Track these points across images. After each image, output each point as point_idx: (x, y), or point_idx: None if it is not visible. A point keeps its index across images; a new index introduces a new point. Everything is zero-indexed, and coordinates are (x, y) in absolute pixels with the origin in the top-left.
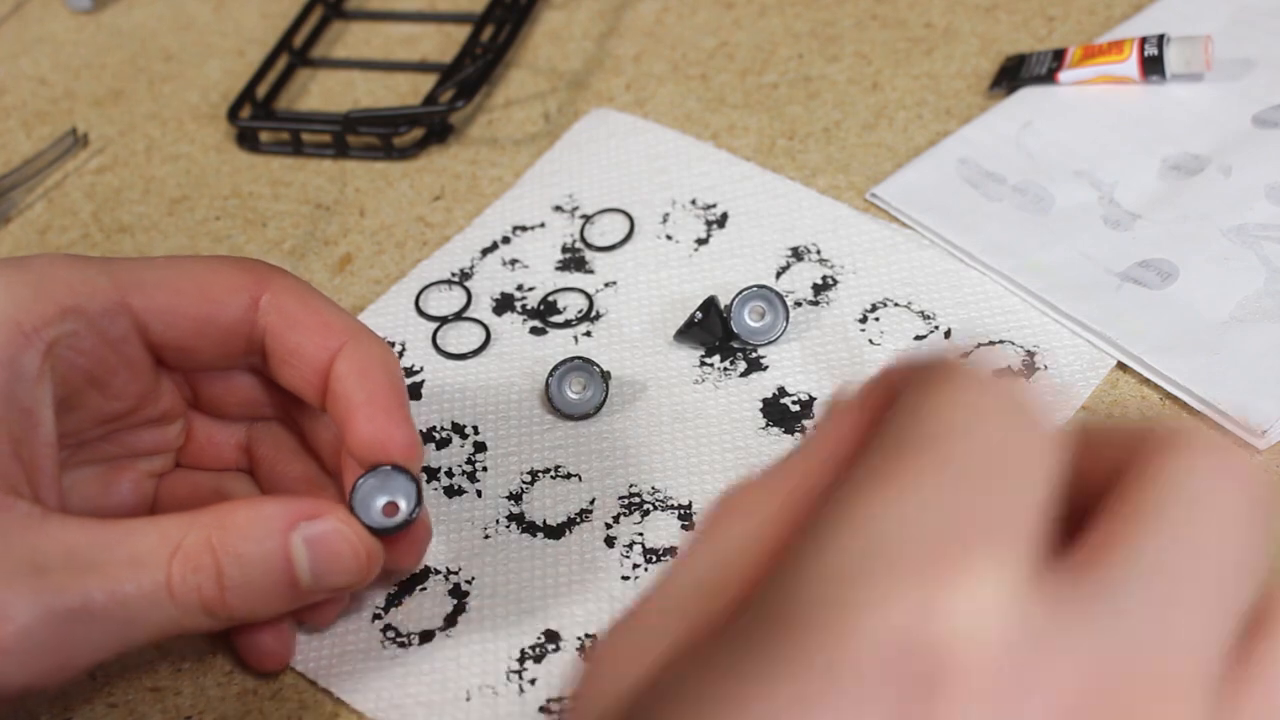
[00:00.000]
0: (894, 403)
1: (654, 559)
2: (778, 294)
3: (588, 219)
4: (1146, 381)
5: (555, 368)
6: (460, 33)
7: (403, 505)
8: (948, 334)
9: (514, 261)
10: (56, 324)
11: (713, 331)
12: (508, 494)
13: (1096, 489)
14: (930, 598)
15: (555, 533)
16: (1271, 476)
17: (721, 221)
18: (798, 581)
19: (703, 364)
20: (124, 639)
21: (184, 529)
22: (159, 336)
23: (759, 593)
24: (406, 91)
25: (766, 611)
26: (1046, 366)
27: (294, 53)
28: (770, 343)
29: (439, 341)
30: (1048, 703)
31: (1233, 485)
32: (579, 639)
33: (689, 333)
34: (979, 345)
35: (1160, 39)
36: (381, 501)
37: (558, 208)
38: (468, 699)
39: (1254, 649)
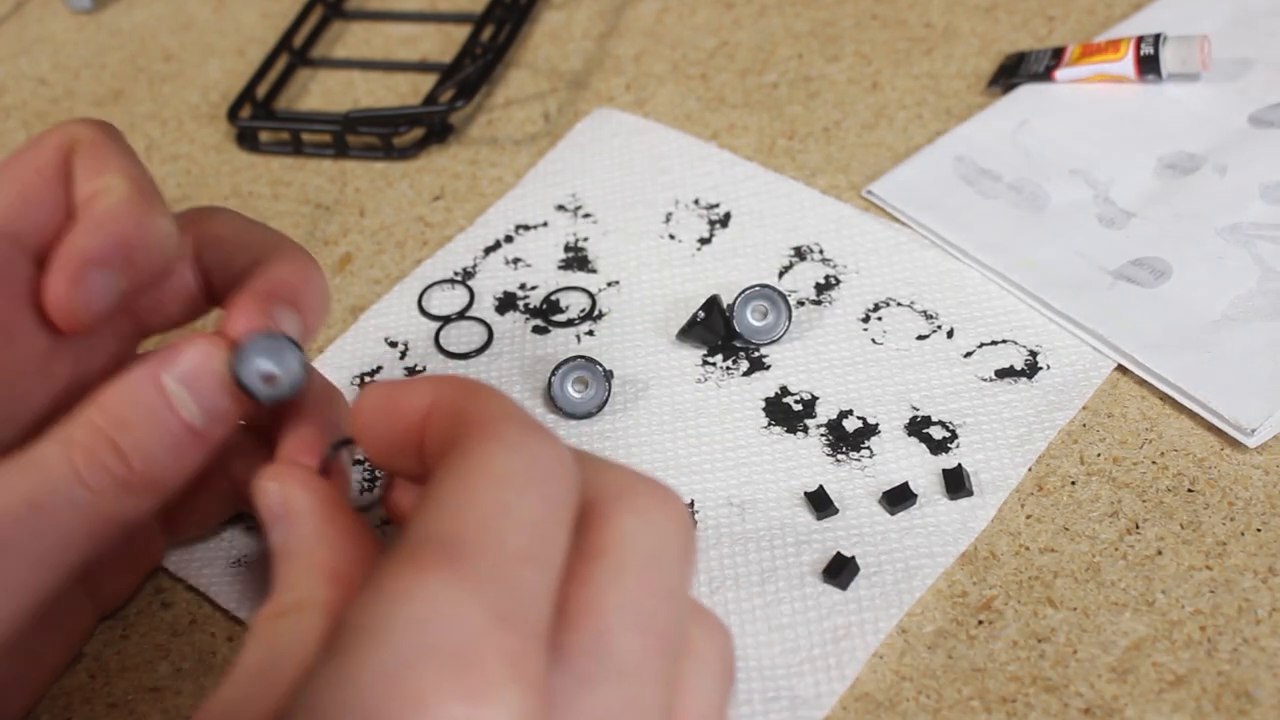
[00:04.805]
0: (438, 462)
1: None
2: (780, 293)
3: (590, 218)
4: (1145, 382)
5: (558, 367)
6: (460, 33)
7: (280, 373)
8: (950, 334)
9: (517, 260)
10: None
11: (715, 331)
12: None
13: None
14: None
15: None
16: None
17: (724, 221)
18: (345, 685)
19: (705, 363)
20: (67, 546)
21: (70, 425)
22: None
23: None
24: (406, 91)
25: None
26: (1049, 366)
27: (294, 53)
28: (773, 342)
29: (441, 341)
30: None
31: (667, 526)
32: None
33: (692, 332)
34: (981, 345)
35: (1157, 38)
36: (263, 367)
37: (560, 207)
38: None
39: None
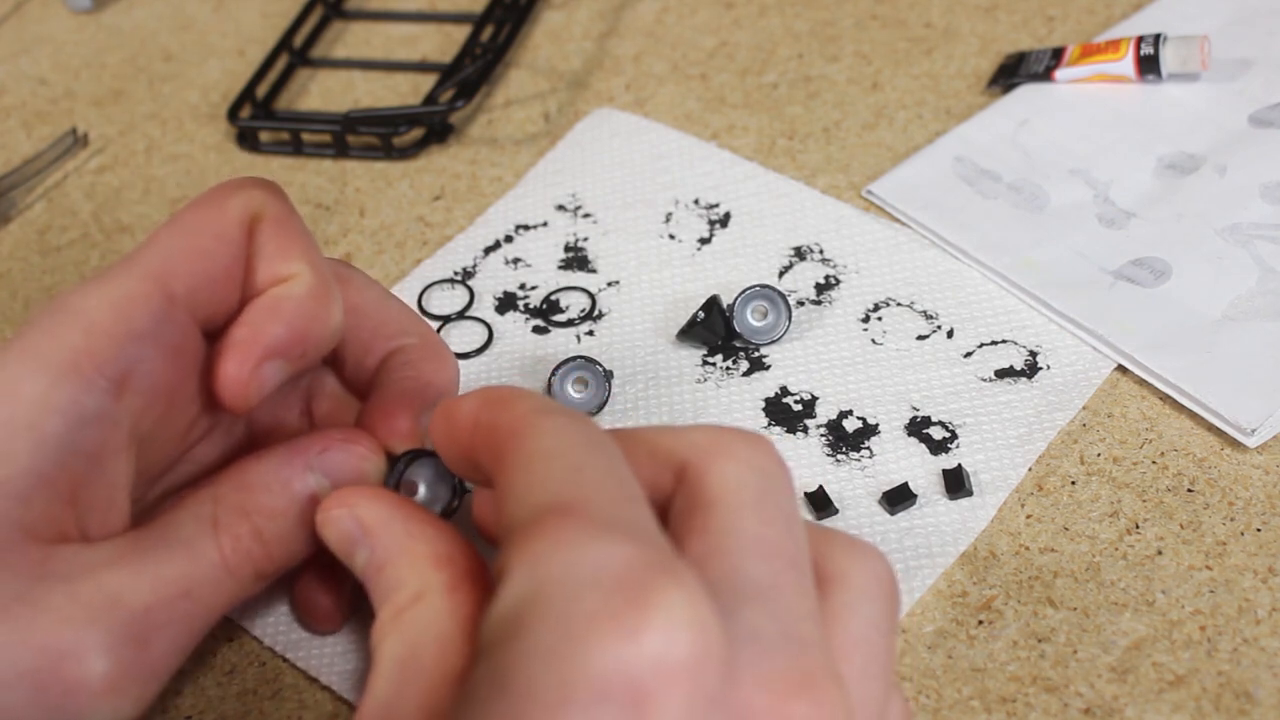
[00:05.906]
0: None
1: None
2: (780, 293)
3: (590, 218)
4: (1145, 382)
5: (557, 367)
6: (460, 33)
7: (422, 490)
8: (950, 334)
9: (517, 260)
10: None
11: (715, 331)
12: None
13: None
14: (630, 635)
15: None
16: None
17: (724, 221)
18: (513, 649)
19: (705, 363)
20: (205, 626)
21: (216, 504)
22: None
23: (474, 675)
24: (406, 91)
25: (489, 682)
26: (1049, 366)
27: (294, 53)
28: (773, 342)
29: None
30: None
31: (765, 464)
32: None
33: (692, 332)
34: (981, 345)
35: (1157, 38)
36: (414, 486)
37: (560, 206)
38: None
39: (827, 600)
